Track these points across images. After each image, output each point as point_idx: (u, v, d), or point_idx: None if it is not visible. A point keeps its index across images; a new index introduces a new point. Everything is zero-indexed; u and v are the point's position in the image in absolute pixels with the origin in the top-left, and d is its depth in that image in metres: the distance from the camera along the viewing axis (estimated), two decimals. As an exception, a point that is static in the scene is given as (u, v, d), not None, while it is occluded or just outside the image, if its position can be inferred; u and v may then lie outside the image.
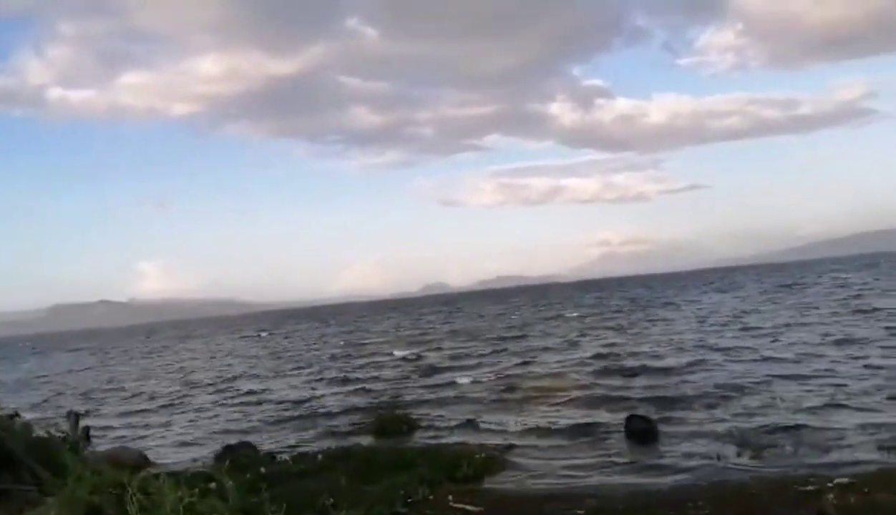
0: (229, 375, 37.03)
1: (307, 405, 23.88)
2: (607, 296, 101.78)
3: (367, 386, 27.03)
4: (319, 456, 14.56)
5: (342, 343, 54.65)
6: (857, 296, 49.93)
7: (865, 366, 20.58)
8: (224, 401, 27.07)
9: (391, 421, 18.09)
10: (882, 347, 23.72)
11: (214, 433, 20.44)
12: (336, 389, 27.21)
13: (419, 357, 36.57)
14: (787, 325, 33.81)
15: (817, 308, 43.33)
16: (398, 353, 39.42)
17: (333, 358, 41.17)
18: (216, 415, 23.86)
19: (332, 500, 10.32)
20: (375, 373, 31.05)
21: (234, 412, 24.16)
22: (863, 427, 13.64)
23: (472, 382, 25.18)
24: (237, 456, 15.06)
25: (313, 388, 28.19)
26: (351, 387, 27.07)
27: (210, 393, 30.04)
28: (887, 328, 29.09)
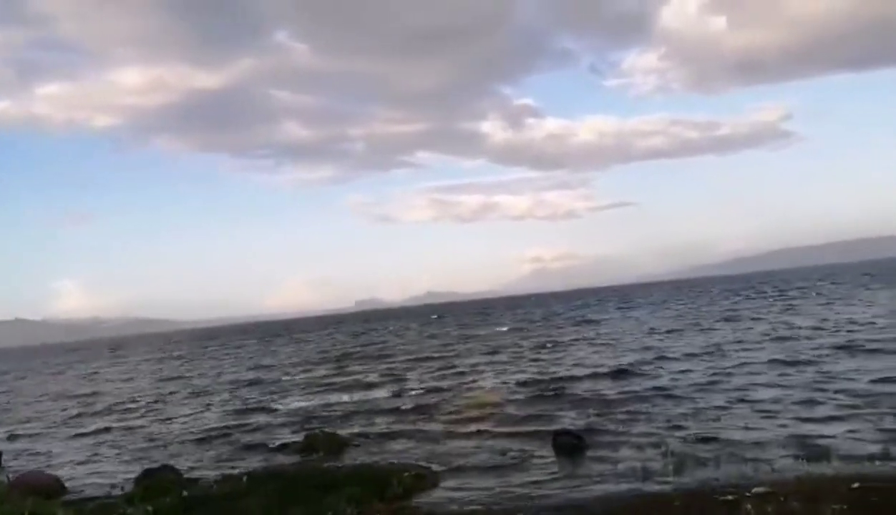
0: (149, 397, 35.77)
1: (232, 426, 23.26)
2: (538, 313, 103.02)
3: (295, 405, 26.56)
4: (245, 478, 14.17)
5: (268, 362, 53.58)
6: (784, 311, 52.10)
7: (784, 378, 21.46)
8: (144, 424, 26.13)
9: (319, 441, 17.81)
10: (807, 363, 24.56)
11: (134, 456, 19.70)
12: (261, 409, 26.61)
13: (348, 375, 36.23)
14: (715, 343, 34.75)
15: (744, 322, 44.92)
16: (328, 371, 38.93)
17: (258, 379, 40.04)
18: (136, 438, 23.00)
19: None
20: (303, 393, 30.56)
21: (155, 435, 23.33)
22: (781, 437, 14.16)
23: (401, 401, 25.07)
24: (157, 480, 14.53)
25: (238, 408, 27.50)
26: (276, 407, 26.51)
27: (130, 416, 28.95)
28: (809, 339, 30.36)
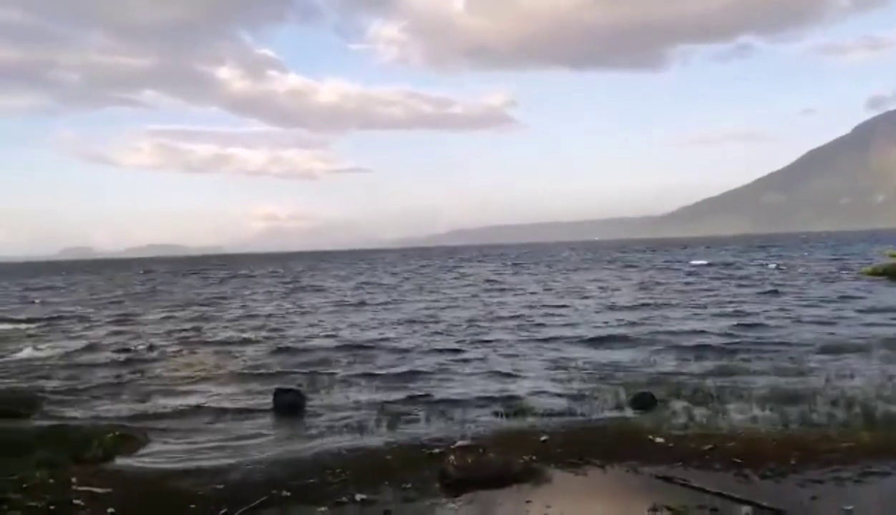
0: None
1: None
2: (267, 272, 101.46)
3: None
4: None
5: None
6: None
7: (495, 343, 23.37)
8: None
9: (5, 399, 15.85)
10: (519, 327, 27.07)
11: None
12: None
13: (51, 328, 32.91)
14: (442, 307, 36.77)
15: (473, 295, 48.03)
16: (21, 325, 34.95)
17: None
18: None
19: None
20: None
21: None
22: (486, 396, 15.38)
23: (109, 356, 23.27)
24: None
25: None
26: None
27: None
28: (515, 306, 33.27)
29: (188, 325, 32.06)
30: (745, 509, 8.04)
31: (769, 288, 40.95)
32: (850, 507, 8.04)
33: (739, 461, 9.85)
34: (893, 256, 49.29)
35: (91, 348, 25.41)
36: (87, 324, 34.05)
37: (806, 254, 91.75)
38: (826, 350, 19.67)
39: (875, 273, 45.59)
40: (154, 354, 23.49)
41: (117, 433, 12.59)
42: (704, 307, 32.04)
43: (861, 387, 14.72)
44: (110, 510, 8.73)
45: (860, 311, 28.24)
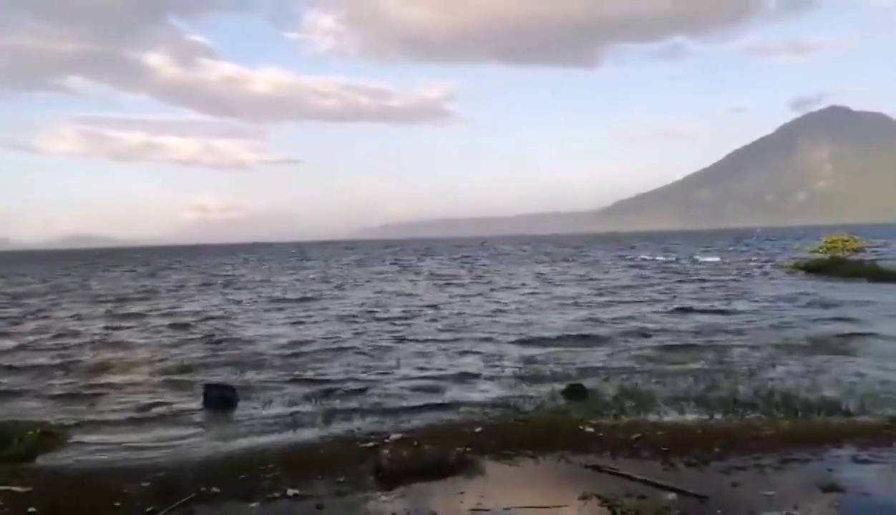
0: None
1: None
2: (198, 264, 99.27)
3: None
4: None
5: None
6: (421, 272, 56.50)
7: (430, 342, 23.38)
8: None
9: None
10: (456, 326, 27.22)
11: None
12: None
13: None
14: (379, 303, 36.57)
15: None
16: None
17: None
18: None
19: None
20: None
21: None
22: (419, 389, 15.49)
23: (31, 353, 22.42)
24: None
25: None
26: None
27: None
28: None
29: (113, 322, 30.97)
30: (671, 495, 8.27)
31: (700, 283, 42.27)
32: (770, 493, 8.35)
33: (666, 449, 10.13)
34: (814, 252, 52.00)
35: (8, 347, 24.34)
36: (1, 322, 32.66)
37: (731, 248, 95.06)
38: (750, 342, 20.40)
39: (797, 267, 48.37)
40: (77, 352, 22.66)
41: (39, 431, 12.11)
42: (636, 301, 32.85)
43: (782, 378, 15.35)
44: (31, 509, 8.41)
45: (784, 303, 29.44)
